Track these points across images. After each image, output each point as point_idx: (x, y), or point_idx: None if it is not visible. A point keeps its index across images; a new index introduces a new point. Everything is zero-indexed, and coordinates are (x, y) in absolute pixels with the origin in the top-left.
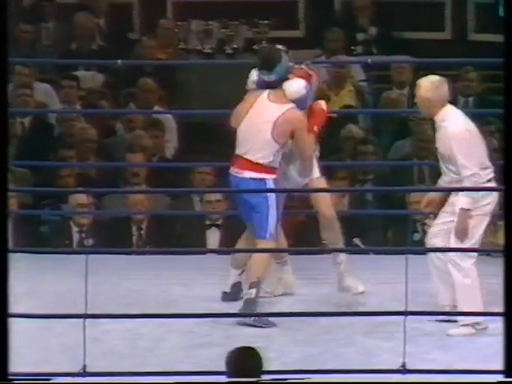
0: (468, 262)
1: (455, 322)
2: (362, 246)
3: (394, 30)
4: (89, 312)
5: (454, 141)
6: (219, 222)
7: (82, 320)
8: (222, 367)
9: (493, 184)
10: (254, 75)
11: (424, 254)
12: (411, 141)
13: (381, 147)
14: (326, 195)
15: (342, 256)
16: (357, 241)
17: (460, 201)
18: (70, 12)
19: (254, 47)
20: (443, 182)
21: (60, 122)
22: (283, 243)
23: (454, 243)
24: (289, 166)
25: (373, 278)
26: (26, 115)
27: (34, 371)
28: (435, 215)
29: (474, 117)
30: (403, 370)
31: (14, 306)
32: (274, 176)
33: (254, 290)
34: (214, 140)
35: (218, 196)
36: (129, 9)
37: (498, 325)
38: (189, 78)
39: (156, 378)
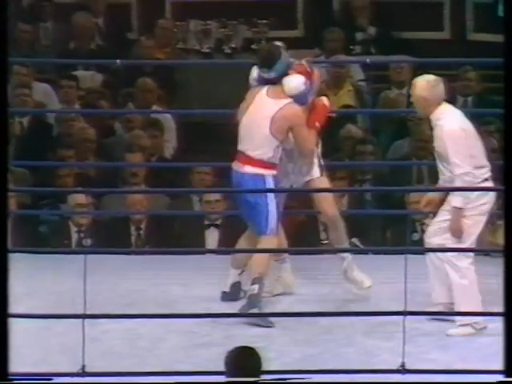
0: (465, 261)
1: (453, 321)
2: (361, 246)
3: (392, 29)
4: (88, 312)
5: (448, 139)
6: (218, 222)
7: (81, 320)
8: (222, 367)
9: (490, 183)
10: (254, 72)
11: (423, 253)
12: (410, 141)
13: (380, 147)
14: (329, 194)
15: (344, 244)
16: (356, 241)
17: (453, 199)
18: (68, 12)
19: (253, 47)
20: (442, 181)
21: (59, 121)
22: (283, 242)
23: (450, 244)
24: (290, 163)
25: (372, 278)
26: (25, 115)
27: (34, 371)
28: (434, 215)
29: (473, 116)
30: (403, 370)
31: (14, 306)
32: (273, 172)
33: (256, 286)
34: (213, 140)
35: (217, 196)
36: (127, 9)
37: (497, 325)
38: (187, 77)
39: (155, 378)
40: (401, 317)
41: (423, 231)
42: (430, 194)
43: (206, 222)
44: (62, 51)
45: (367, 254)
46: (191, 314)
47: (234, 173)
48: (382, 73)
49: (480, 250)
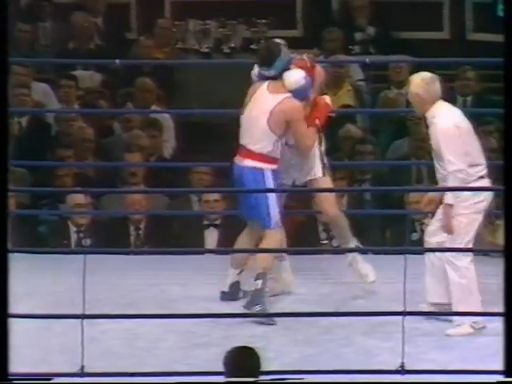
0: (464, 260)
1: (452, 321)
2: (361, 246)
3: (392, 29)
4: (87, 312)
5: (441, 137)
6: (217, 222)
7: (80, 320)
8: (221, 367)
9: (485, 181)
10: (256, 68)
11: (422, 253)
12: (409, 140)
13: (379, 147)
14: (330, 195)
15: (351, 243)
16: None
17: (445, 196)
18: (67, 12)
19: (252, 47)
20: (439, 179)
21: (58, 121)
22: (283, 242)
23: (449, 242)
24: (293, 159)
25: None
26: (24, 115)
27: (33, 371)
28: (433, 214)
29: (472, 116)
30: (402, 371)
31: (13, 306)
32: (273, 166)
33: (260, 281)
34: (212, 139)
35: (216, 196)
36: (126, 8)
37: (496, 325)
38: (186, 77)
39: (154, 379)
40: (400, 317)
41: (422, 231)
42: (431, 194)
43: (205, 222)
44: (60, 51)
45: (366, 253)
46: (190, 314)
47: (235, 166)
48: (382, 73)
49: (479, 250)
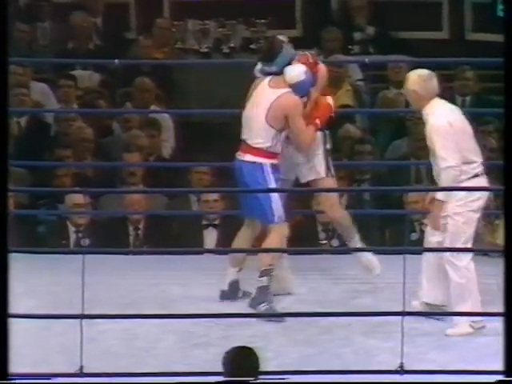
0: (464, 260)
1: (450, 321)
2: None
3: (391, 29)
4: (86, 312)
5: (434, 133)
6: (216, 222)
7: (79, 320)
8: (219, 367)
9: (481, 179)
10: (259, 65)
11: (421, 253)
12: (408, 140)
13: (378, 147)
14: (332, 195)
15: (356, 238)
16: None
17: (439, 195)
18: (66, 11)
19: (251, 46)
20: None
21: (58, 121)
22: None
23: (447, 242)
24: (296, 156)
25: (370, 278)
26: (23, 115)
27: (32, 371)
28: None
29: (471, 116)
30: (401, 371)
31: (12, 306)
32: (272, 161)
33: (265, 278)
34: (211, 139)
35: (215, 196)
36: (125, 8)
37: (495, 325)
38: (186, 77)
39: (153, 379)
40: (399, 317)
41: (422, 231)
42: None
43: (205, 222)
44: (59, 51)
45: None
46: (189, 314)
47: (236, 161)
48: (381, 72)
49: (479, 250)
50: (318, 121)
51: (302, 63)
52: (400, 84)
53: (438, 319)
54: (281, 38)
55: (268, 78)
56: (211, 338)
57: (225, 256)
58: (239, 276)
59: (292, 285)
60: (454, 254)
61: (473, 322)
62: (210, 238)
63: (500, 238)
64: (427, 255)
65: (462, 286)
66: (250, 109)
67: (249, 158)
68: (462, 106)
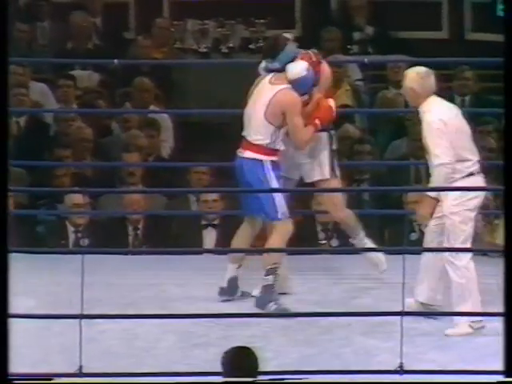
0: (464, 259)
1: (449, 321)
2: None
3: (390, 29)
4: (85, 312)
5: (427, 131)
6: (216, 222)
7: (78, 320)
8: (219, 368)
9: (476, 178)
10: (263, 62)
11: (421, 253)
12: (408, 140)
13: (377, 147)
14: (336, 196)
15: (362, 235)
16: (353, 241)
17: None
18: (65, 11)
19: (250, 46)
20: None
21: (57, 121)
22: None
23: (446, 242)
24: (299, 154)
25: (369, 278)
26: (22, 114)
27: (32, 371)
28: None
29: (470, 116)
30: (401, 371)
31: (12, 306)
32: (272, 158)
33: (271, 277)
34: (210, 139)
35: (214, 196)
36: (125, 8)
37: (495, 324)
38: (185, 77)
39: (153, 379)
40: (399, 317)
41: (421, 231)
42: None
43: (204, 222)
44: (59, 51)
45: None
46: (189, 314)
47: (237, 158)
48: (380, 72)
49: (479, 250)
50: (317, 121)
51: (305, 61)
52: (399, 84)
53: (435, 319)
54: (286, 35)
55: (270, 75)
56: (211, 338)
57: (224, 256)
58: (238, 273)
59: (291, 284)
60: (454, 253)
61: (472, 322)
62: (210, 237)
63: (499, 238)
64: (427, 255)
65: (462, 286)
66: (250, 105)
67: (249, 154)
68: (462, 106)
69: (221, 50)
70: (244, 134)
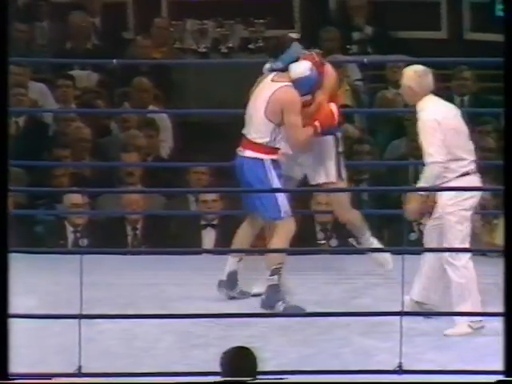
0: (462, 259)
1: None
2: (358, 246)
3: (389, 29)
4: (85, 312)
5: (421, 130)
6: (215, 222)
7: (77, 320)
8: (218, 368)
9: (472, 178)
10: (268, 63)
11: (420, 253)
12: (407, 140)
13: (377, 147)
14: (341, 197)
15: (368, 235)
16: (352, 241)
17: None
18: (64, 11)
19: (250, 46)
20: None
21: (57, 121)
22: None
23: (445, 242)
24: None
25: (369, 278)
26: (21, 114)
27: (31, 371)
28: (431, 214)
29: (469, 116)
30: (400, 371)
31: (12, 306)
32: (273, 156)
33: (276, 277)
34: (209, 139)
35: (213, 196)
36: (123, 8)
37: (494, 324)
38: (184, 77)
39: (152, 379)
40: (398, 317)
41: (420, 231)
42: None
43: (203, 222)
44: (58, 51)
45: (364, 254)
46: (188, 314)
47: (237, 157)
48: (379, 72)
49: (478, 250)
50: (317, 123)
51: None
52: (398, 84)
53: (429, 317)
54: (291, 35)
55: (272, 74)
56: (210, 338)
57: (223, 256)
58: (239, 266)
59: (289, 284)
60: (452, 253)
61: (471, 322)
62: (209, 238)
63: (498, 238)
64: (426, 255)
65: (462, 286)
66: (251, 104)
67: (249, 153)
68: (461, 106)
69: (220, 50)
70: (244, 132)
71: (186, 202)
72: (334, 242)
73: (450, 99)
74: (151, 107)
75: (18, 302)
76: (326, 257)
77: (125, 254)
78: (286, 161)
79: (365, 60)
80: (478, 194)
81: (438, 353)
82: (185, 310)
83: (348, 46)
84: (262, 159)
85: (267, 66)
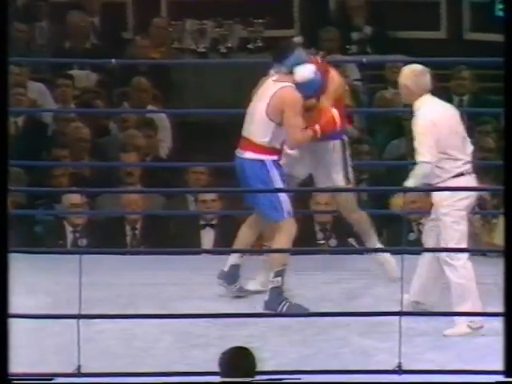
0: (461, 259)
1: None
2: (357, 246)
3: (389, 29)
4: (84, 312)
5: (415, 129)
6: (214, 222)
7: (76, 320)
8: (217, 368)
9: (467, 178)
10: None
11: (419, 254)
12: (406, 140)
13: (376, 147)
14: (348, 197)
15: (374, 239)
16: (352, 241)
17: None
18: (63, 11)
19: (249, 46)
20: None
21: (56, 121)
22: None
23: (441, 242)
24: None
25: (368, 278)
26: (20, 114)
27: (30, 371)
28: (429, 214)
29: (468, 116)
30: (399, 371)
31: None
32: (274, 157)
33: (279, 278)
34: (208, 139)
35: (212, 196)
36: (123, 8)
37: (494, 325)
38: (183, 77)
39: (151, 379)
40: (397, 317)
41: (420, 231)
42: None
43: (202, 222)
44: (57, 50)
45: (363, 254)
46: (187, 314)
47: (237, 158)
48: (378, 72)
49: (477, 250)
50: (317, 127)
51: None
52: (398, 84)
53: (434, 319)
54: (295, 40)
55: (275, 76)
56: (209, 338)
57: (222, 256)
58: (241, 261)
59: (289, 284)
60: (450, 254)
61: (471, 322)
62: (208, 238)
63: (497, 238)
64: (424, 255)
65: (462, 287)
66: (253, 104)
67: (249, 155)
68: (460, 106)
69: (219, 50)
70: (244, 133)
71: (185, 202)
72: (333, 242)
73: (448, 99)
74: (150, 107)
75: (17, 302)
76: (325, 257)
77: (124, 253)
78: (288, 160)
79: (364, 60)
80: (473, 194)
81: (437, 353)
82: (184, 309)
83: (347, 46)
84: (263, 160)
85: (271, 71)
